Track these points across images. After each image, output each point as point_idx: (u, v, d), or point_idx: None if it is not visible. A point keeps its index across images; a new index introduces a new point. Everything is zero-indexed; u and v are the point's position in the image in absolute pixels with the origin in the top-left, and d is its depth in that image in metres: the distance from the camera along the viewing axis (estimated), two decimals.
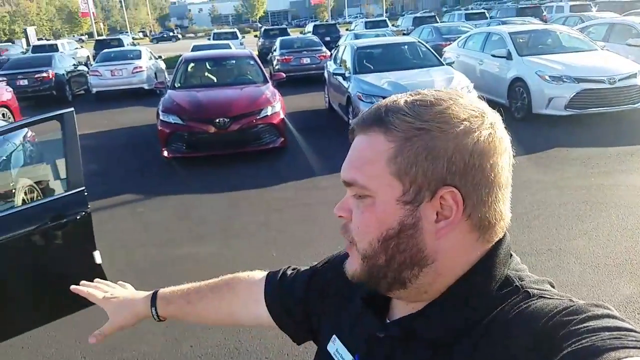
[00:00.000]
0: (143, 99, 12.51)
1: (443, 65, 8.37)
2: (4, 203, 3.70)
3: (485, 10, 26.61)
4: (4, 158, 4.14)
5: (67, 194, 2.60)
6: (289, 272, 0.93)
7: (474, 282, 0.60)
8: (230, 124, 6.61)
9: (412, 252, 0.59)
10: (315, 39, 16.45)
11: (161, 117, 6.82)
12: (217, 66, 9.03)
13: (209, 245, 4.36)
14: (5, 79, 12.25)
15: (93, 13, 39.16)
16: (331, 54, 11.85)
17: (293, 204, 5.23)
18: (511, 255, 0.63)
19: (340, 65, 8.93)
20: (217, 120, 6.56)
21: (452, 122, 0.56)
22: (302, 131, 8.12)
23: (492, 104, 0.59)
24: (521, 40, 8.76)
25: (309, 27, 25.44)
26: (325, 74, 10.15)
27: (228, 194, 5.62)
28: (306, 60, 14.27)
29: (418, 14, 33.08)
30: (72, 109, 2.72)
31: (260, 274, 0.97)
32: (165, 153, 6.72)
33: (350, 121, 0.56)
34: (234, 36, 23.76)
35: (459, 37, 11.62)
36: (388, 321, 0.68)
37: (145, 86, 13.38)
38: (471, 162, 0.56)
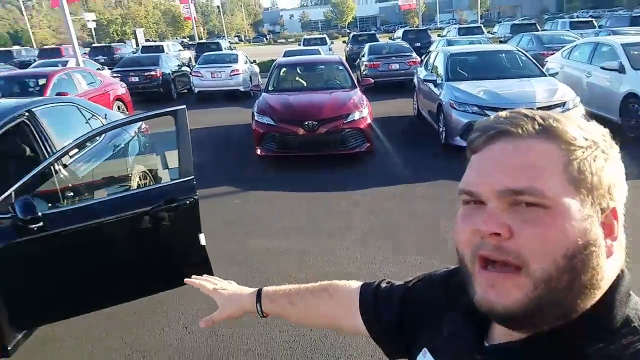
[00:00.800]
0: (239, 100, 13.22)
1: (545, 76, 7.95)
2: (121, 186, 4.16)
3: (593, 19, 24.91)
4: (122, 146, 4.64)
5: (179, 181, 2.90)
6: (383, 285, 0.93)
7: (597, 319, 0.55)
8: (318, 126, 6.84)
9: (594, 272, 0.54)
10: (405, 44, 16.37)
11: (256, 118, 7.22)
12: (308, 71, 9.38)
13: (293, 241, 4.57)
14: (119, 75, 13.53)
15: (194, 18, 41.75)
16: (421, 60, 11.75)
17: (377, 209, 5.31)
18: (630, 293, 0.58)
19: (432, 72, 8.86)
20: (306, 123, 6.83)
21: (608, 140, 0.58)
22: (389, 137, 8.17)
23: (602, 120, 0.63)
24: (636, 53, 8.07)
25: (399, 32, 25.31)
26: (415, 81, 10.11)
27: (314, 194, 5.83)
28: (395, 66, 14.25)
29: (516, 21, 31.68)
30: (184, 106, 3.04)
31: (355, 284, 0.98)
32: (259, 151, 7.11)
33: (474, 125, 0.49)
34: (322, 42, 24.25)
35: (562, 47, 10.98)
36: (487, 344, 0.64)
37: (241, 88, 14.11)
38: (619, 183, 0.57)
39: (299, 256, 4.20)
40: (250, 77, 14.99)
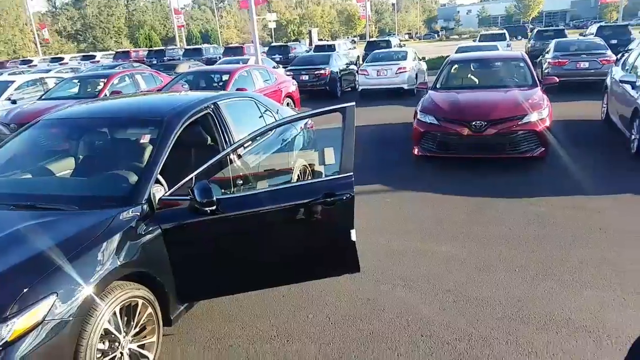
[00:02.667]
0: (402, 98, 13.14)
1: None
2: (285, 178, 4.40)
3: None
4: (289, 140, 4.91)
5: (339, 176, 2.95)
6: None
7: None
8: (486, 127, 6.39)
9: None
10: (600, 41, 14.46)
11: (418, 116, 7.04)
12: (482, 68, 8.82)
13: (444, 244, 4.34)
14: (291, 73, 14.47)
15: (369, 16, 42.73)
16: (617, 59, 10.25)
17: (551, 221, 4.77)
18: None
19: (630, 72, 7.64)
20: (473, 123, 6.42)
21: None
22: (568, 142, 7.31)
23: None
24: None
25: (592, 28, 22.56)
26: (608, 81, 8.84)
27: (474, 199, 5.46)
28: (584, 65, 12.70)
29: None
30: (354, 103, 3.07)
31: None
32: (415, 151, 6.93)
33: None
34: (501, 37, 22.81)
35: None
36: None
37: (405, 86, 13.98)
38: None
39: (446, 259, 3.97)
40: (417, 74, 14.76)
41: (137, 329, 2.66)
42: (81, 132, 4.01)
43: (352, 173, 2.94)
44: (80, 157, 3.87)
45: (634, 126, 6.60)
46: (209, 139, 4.06)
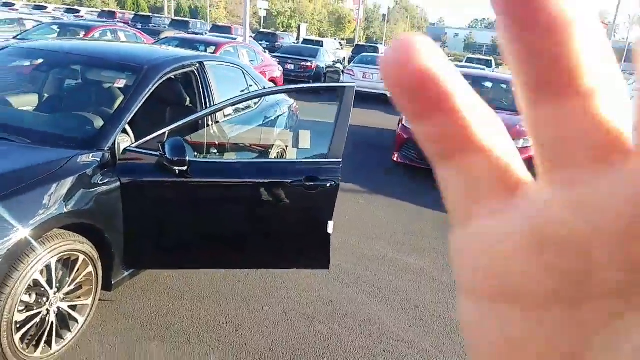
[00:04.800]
0: (383, 105, 13.03)
1: None
2: (261, 155, 4.13)
3: None
4: (272, 119, 4.64)
5: (326, 160, 2.71)
6: None
7: None
8: None
9: None
10: None
11: (403, 122, 6.89)
12: (476, 86, 8.82)
13: (415, 257, 4.17)
14: (278, 60, 14.14)
15: (360, 20, 42.82)
16: None
17: None
18: None
19: None
20: None
21: None
22: None
23: None
24: None
25: None
26: None
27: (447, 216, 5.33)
28: None
29: None
30: (354, 84, 2.84)
31: None
32: (395, 157, 6.78)
33: None
34: (488, 64, 23.33)
35: None
36: None
37: (389, 94, 13.85)
38: None
39: (415, 272, 3.80)
40: None
41: (72, 287, 2.33)
42: (51, 67, 3.61)
43: (340, 160, 2.71)
44: (46, 94, 3.48)
45: None
46: (188, 99, 3.75)
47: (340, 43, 43.46)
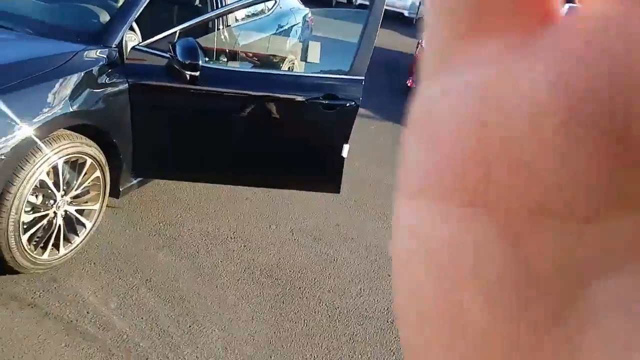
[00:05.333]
0: (399, 25, 12.43)
1: None
2: (273, 66, 3.91)
3: None
4: (285, 28, 4.35)
5: (347, 77, 2.54)
6: None
7: None
8: None
9: None
10: None
11: (423, 44, 6.57)
12: None
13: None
14: None
15: None
16: None
17: None
18: None
19: None
20: None
21: None
22: None
23: None
24: None
25: None
26: None
27: None
28: None
29: None
30: None
31: None
32: (409, 82, 6.54)
33: None
34: None
35: None
36: None
37: (406, 13, 13.25)
38: None
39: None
40: (420, 4, 13.96)
41: (79, 191, 2.25)
42: None
43: (363, 78, 2.53)
44: None
45: None
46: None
47: None
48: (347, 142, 2.61)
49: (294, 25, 4.51)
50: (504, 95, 0.11)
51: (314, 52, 3.13)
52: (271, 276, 2.57)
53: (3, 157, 1.78)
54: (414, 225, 0.13)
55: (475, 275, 0.11)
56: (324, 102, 2.53)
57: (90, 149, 2.20)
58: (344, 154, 2.63)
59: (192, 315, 2.21)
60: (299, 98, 2.54)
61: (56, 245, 2.17)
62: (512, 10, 0.11)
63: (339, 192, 2.80)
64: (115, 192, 2.48)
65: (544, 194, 0.10)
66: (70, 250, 2.26)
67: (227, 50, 3.37)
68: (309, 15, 4.90)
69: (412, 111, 0.13)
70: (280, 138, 2.67)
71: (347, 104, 2.52)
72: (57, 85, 2.00)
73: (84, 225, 2.32)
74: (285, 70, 3.29)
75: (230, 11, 2.97)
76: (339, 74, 2.61)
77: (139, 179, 2.62)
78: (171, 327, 2.12)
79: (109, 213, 2.60)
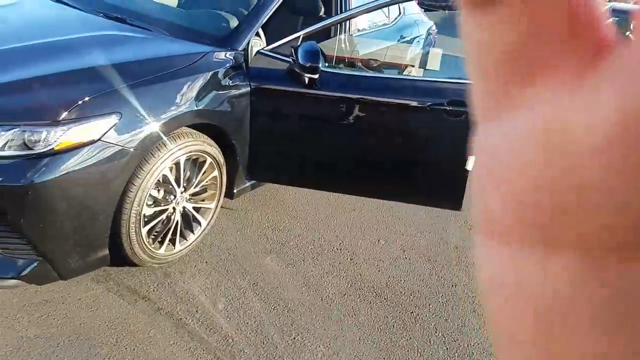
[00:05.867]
0: None
1: None
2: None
3: None
4: (408, 39, 4.21)
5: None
6: None
7: None
8: None
9: None
10: None
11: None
12: None
13: None
14: None
15: None
16: None
17: None
18: None
19: None
20: None
21: None
22: None
23: None
24: None
25: None
26: None
27: None
28: None
29: None
30: None
31: None
32: None
33: None
34: None
35: None
36: None
37: None
38: None
39: None
40: None
41: (197, 189, 2.29)
42: None
43: None
44: None
45: None
46: (322, 9, 3.46)
47: None
48: (472, 154, 2.38)
49: (417, 37, 4.35)
50: (565, 138, 0.11)
51: (435, 59, 2.94)
52: (380, 295, 2.40)
53: (132, 149, 1.84)
54: (500, 272, 0.13)
55: (577, 312, 0.11)
56: (448, 108, 2.33)
57: (210, 149, 2.23)
58: (469, 166, 2.39)
59: (296, 326, 2.11)
60: (420, 104, 2.38)
61: (172, 241, 2.22)
62: (567, 43, 0.11)
63: (460, 210, 2.55)
64: (230, 193, 2.50)
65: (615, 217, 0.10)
66: (185, 247, 2.30)
67: (346, 58, 3.32)
68: (433, 28, 4.72)
69: (476, 154, 0.14)
70: (399, 146, 2.51)
71: None
72: (184, 84, 2.06)
73: (199, 223, 2.35)
74: (405, 75, 3.14)
75: (353, 16, 2.90)
76: (464, 79, 2.40)
77: (252, 181, 2.62)
78: (275, 336, 2.04)
79: (221, 212, 2.62)
